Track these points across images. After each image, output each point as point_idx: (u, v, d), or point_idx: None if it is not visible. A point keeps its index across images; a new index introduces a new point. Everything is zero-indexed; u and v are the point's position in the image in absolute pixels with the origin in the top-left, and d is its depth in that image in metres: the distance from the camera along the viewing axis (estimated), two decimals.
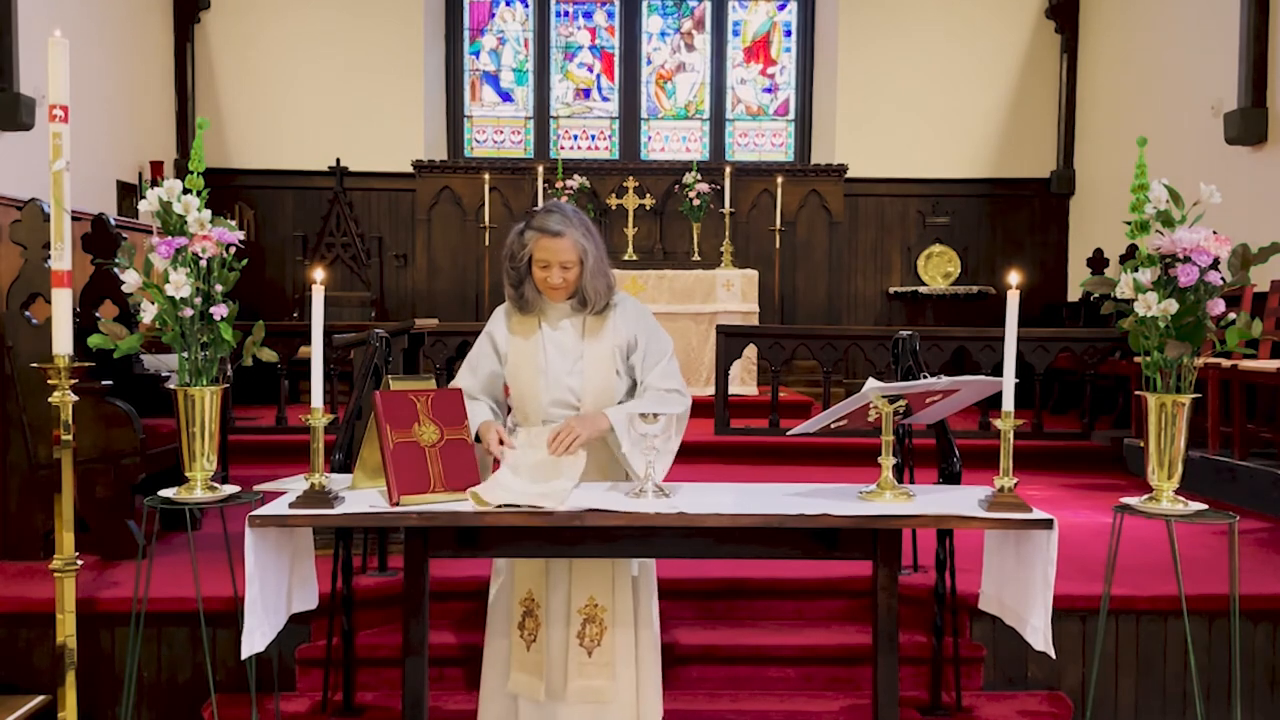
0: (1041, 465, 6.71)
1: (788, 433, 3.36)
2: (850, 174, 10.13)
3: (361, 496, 2.75)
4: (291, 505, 2.61)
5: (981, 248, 10.42)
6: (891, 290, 10.32)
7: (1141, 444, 2.98)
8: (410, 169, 10.01)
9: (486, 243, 9.47)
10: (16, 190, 6.28)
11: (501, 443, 2.92)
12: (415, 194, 10.08)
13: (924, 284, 10.28)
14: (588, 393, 3.03)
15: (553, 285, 3.00)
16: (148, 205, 2.84)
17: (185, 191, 2.81)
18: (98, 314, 4.37)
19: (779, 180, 9.55)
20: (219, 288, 2.83)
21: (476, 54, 10.74)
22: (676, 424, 2.97)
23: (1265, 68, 7.18)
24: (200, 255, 2.79)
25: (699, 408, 6.94)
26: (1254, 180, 7.24)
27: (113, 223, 4.69)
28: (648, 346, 3.08)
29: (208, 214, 2.81)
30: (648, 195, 9.86)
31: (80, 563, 3.01)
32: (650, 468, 2.76)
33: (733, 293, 8.52)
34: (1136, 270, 2.84)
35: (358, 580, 3.82)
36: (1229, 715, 3.76)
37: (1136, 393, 3.11)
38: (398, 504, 2.61)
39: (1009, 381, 2.64)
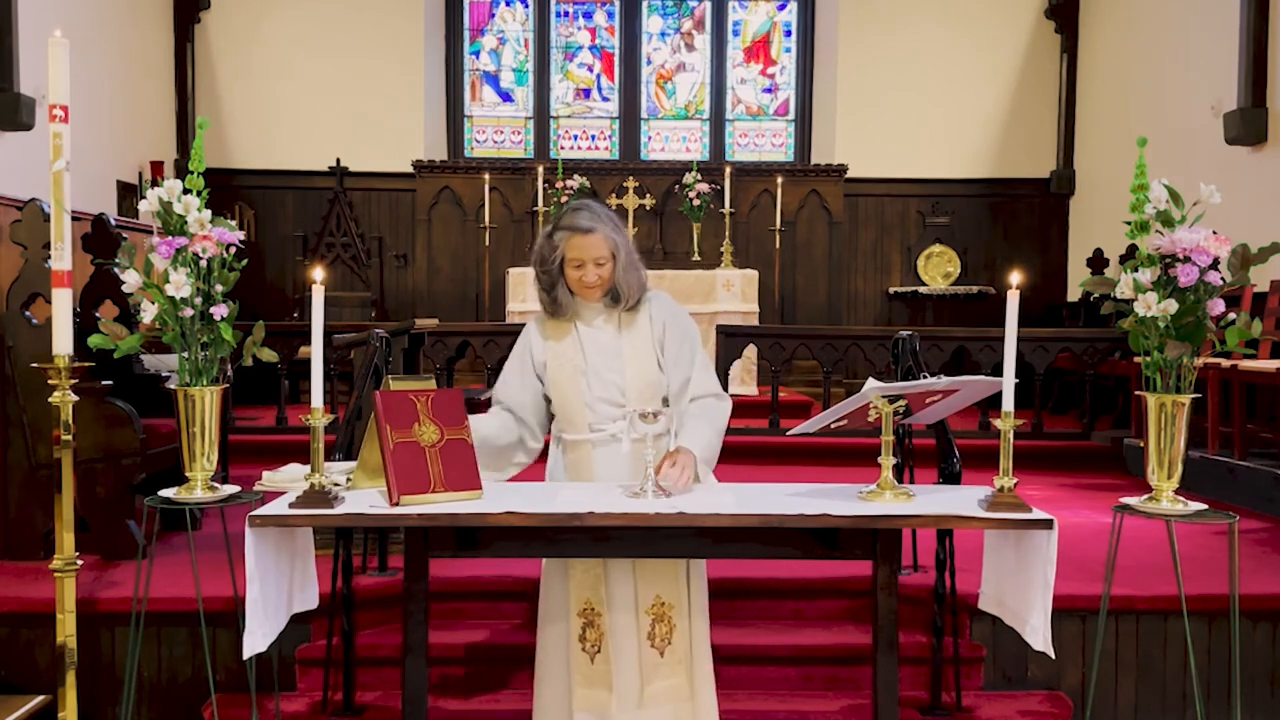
0: (1041, 465, 6.70)
1: (788, 433, 3.35)
2: (850, 174, 10.12)
3: (361, 496, 2.75)
4: (291, 505, 2.61)
5: (981, 248, 10.42)
6: (891, 290, 10.32)
7: (1141, 444, 2.98)
8: (410, 169, 10.00)
9: (486, 243, 9.47)
10: (16, 190, 6.27)
11: None
12: (415, 194, 10.07)
13: (924, 284, 10.28)
14: (631, 388, 2.98)
15: (588, 284, 2.95)
16: (148, 205, 2.84)
17: (185, 191, 2.81)
18: (98, 314, 4.36)
19: (779, 180, 9.55)
20: (219, 288, 2.83)
21: (476, 54, 10.74)
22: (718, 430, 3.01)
23: (1265, 68, 7.18)
24: (200, 255, 2.78)
25: None
26: (1254, 180, 7.24)
27: (113, 223, 4.69)
28: (681, 341, 3.05)
29: (208, 214, 2.81)
30: (648, 195, 9.86)
31: (80, 563, 3.00)
32: (649, 466, 2.75)
33: (733, 293, 8.51)
34: (1136, 270, 2.83)
35: (358, 580, 3.82)
36: (1229, 715, 3.76)
37: (1136, 393, 3.10)
38: (398, 504, 2.61)
39: (1009, 381, 2.64)
